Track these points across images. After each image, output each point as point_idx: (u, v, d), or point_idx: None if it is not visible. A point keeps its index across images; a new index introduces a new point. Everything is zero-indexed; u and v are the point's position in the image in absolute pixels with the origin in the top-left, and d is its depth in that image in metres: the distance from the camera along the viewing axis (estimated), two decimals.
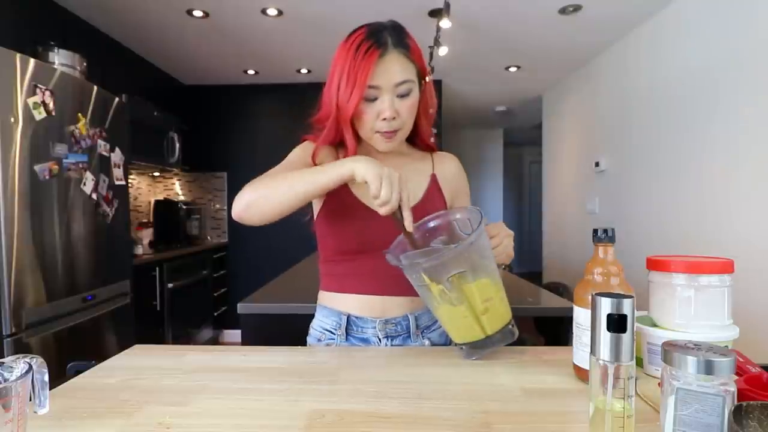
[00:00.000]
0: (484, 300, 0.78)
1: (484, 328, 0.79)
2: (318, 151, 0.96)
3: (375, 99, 0.88)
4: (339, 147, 0.99)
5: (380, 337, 0.95)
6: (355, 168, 0.77)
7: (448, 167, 1.06)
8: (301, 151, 0.98)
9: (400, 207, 0.77)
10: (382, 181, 0.74)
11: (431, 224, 0.89)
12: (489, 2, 2.67)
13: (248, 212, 0.82)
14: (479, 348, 0.81)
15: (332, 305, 0.99)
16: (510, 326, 0.82)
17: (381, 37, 0.87)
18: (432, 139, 1.07)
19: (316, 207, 1.00)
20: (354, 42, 0.87)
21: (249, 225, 0.86)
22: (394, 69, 0.87)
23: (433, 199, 0.99)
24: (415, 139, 1.05)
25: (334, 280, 1.00)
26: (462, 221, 0.87)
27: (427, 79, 0.98)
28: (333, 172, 0.78)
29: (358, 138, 0.94)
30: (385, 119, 0.88)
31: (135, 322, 2.58)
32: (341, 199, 0.95)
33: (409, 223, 0.78)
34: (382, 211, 0.76)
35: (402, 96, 0.89)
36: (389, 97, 0.88)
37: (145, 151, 3.19)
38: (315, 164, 0.95)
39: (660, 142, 2.77)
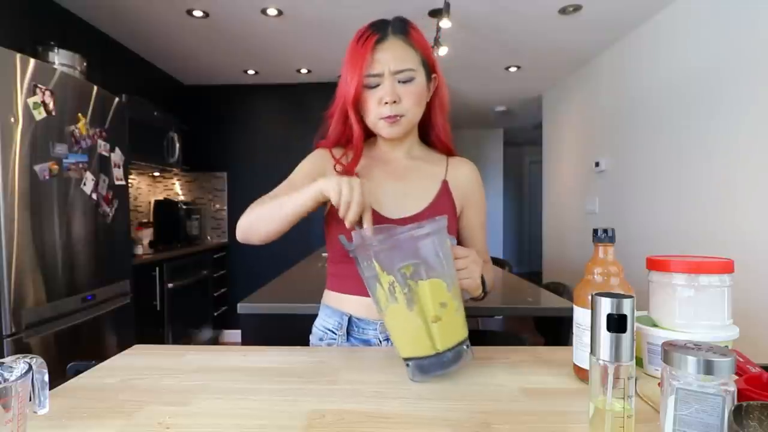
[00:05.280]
0: (438, 304, 0.69)
1: (434, 342, 0.69)
2: (333, 153, 0.99)
3: (377, 86, 0.90)
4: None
5: (381, 339, 0.95)
6: (320, 184, 0.79)
7: (462, 173, 1.04)
8: (308, 164, 1.00)
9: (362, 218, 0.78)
10: (341, 186, 0.76)
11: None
12: (489, 2, 2.67)
13: (248, 234, 0.90)
14: (427, 369, 0.70)
15: (335, 305, 0.99)
16: (465, 346, 0.73)
17: (382, 25, 0.91)
18: (451, 141, 1.04)
19: (326, 208, 0.99)
20: (358, 33, 0.91)
21: (252, 245, 0.92)
22: (392, 55, 0.89)
23: (441, 205, 0.98)
24: (431, 138, 1.04)
25: (338, 281, 1.00)
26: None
27: (437, 72, 0.97)
28: (307, 192, 0.81)
29: (366, 130, 0.97)
30: (386, 103, 0.90)
31: (135, 322, 2.58)
32: None
33: (368, 225, 0.78)
34: (348, 216, 0.77)
35: (403, 82, 0.90)
36: (389, 83, 0.89)
37: (145, 151, 3.19)
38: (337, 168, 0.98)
39: (660, 143, 2.77)
